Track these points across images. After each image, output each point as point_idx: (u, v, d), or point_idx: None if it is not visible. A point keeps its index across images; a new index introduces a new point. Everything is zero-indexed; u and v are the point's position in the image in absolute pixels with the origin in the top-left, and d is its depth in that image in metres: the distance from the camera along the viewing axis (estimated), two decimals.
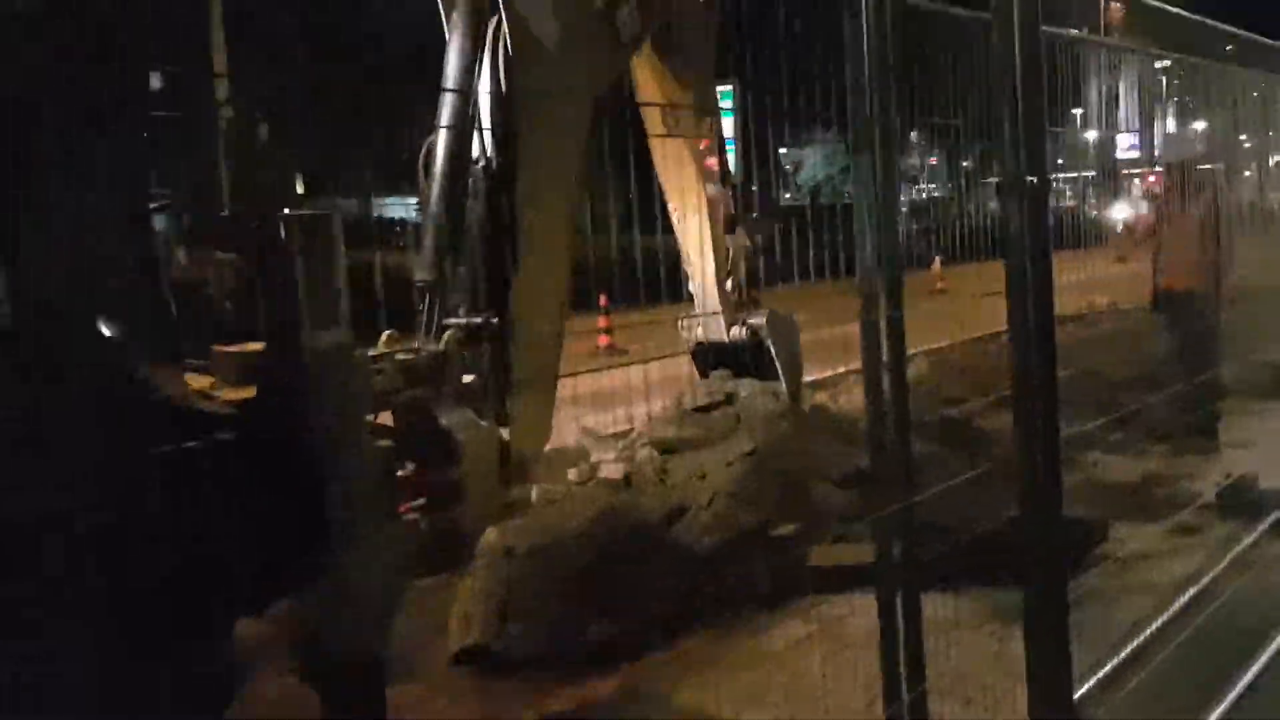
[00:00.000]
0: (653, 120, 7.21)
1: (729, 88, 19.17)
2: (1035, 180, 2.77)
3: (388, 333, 4.56)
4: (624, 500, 5.97)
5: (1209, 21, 7.14)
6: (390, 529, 3.50)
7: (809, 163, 31.70)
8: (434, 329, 4.89)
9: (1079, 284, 12.62)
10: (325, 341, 3.16)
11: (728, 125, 21.06)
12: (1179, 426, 7.41)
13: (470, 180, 5.20)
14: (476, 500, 4.48)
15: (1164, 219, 8.02)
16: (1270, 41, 7.06)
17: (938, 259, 17.31)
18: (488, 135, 5.20)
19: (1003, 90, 2.73)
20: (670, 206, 7.47)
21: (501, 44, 5.30)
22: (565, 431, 7.87)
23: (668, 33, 6.84)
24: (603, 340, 13.13)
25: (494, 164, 5.17)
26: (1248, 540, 5.59)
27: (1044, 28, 2.83)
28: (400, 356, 4.52)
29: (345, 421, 3.23)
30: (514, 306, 4.98)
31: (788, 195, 31.91)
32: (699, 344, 7.56)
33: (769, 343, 7.32)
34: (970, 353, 11.36)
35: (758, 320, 7.41)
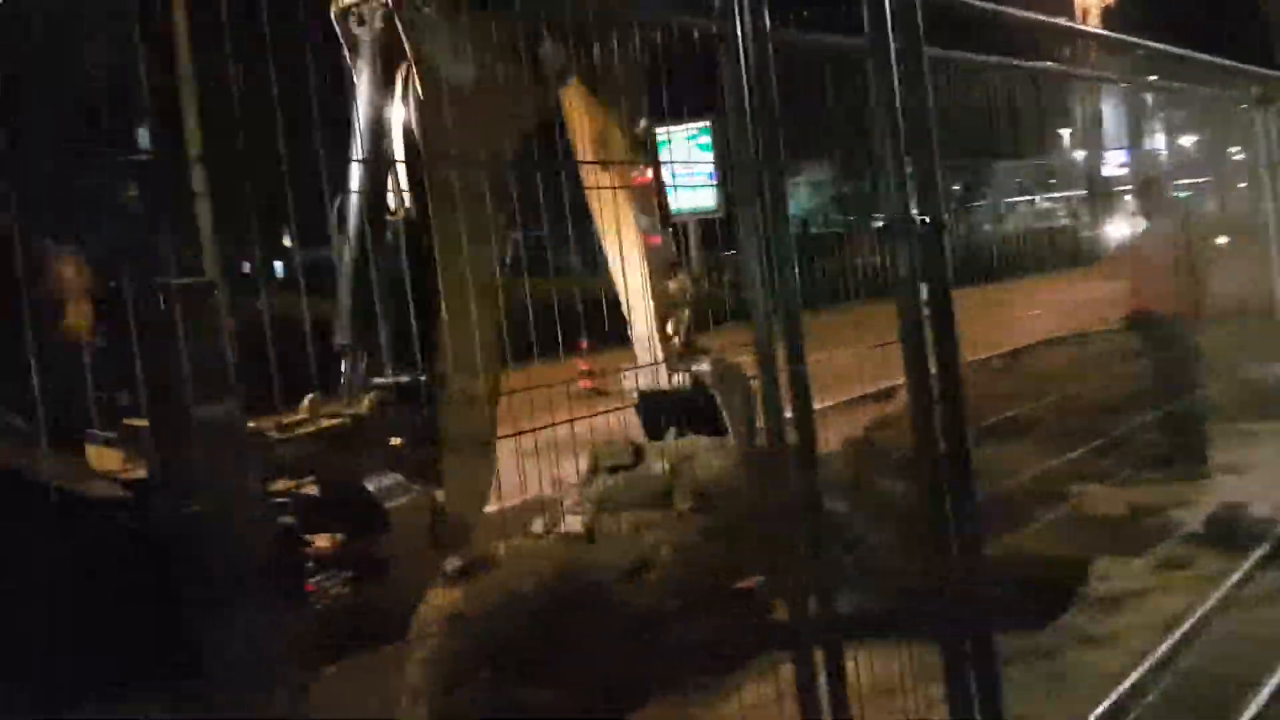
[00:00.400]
0: (581, 156, 6.83)
1: (705, 124, 19.05)
2: (928, 220, 2.55)
3: (310, 395, 4.33)
4: (584, 556, 5.72)
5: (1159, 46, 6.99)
6: (293, 612, 3.25)
7: (796, 193, 31.61)
8: (356, 391, 4.65)
9: (1070, 303, 12.45)
10: (209, 415, 2.93)
11: (707, 160, 20.85)
12: (1166, 452, 7.16)
13: (388, 233, 4.96)
14: (408, 568, 4.22)
15: (1135, 238, 7.81)
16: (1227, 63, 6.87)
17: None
18: (404, 185, 4.97)
19: (884, 122, 2.52)
20: (605, 246, 7.09)
21: (411, 89, 5.07)
22: (535, 481, 7.63)
23: (596, 66, 6.49)
24: (584, 383, 12.89)
25: (412, 215, 4.93)
26: (1237, 574, 5.31)
27: (930, 50, 2.62)
28: (321, 421, 4.28)
29: (234, 499, 3.00)
30: (440, 364, 4.71)
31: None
32: (642, 394, 7.12)
33: (715, 392, 6.87)
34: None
35: (702, 367, 6.92)
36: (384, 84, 5.25)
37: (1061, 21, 7.10)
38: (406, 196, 5.04)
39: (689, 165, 19.76)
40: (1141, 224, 7.94)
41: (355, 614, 4.06)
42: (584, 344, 12.49)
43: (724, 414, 6.79)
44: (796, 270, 2.77)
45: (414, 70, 5.10)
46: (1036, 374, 10.89)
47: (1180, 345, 7.26)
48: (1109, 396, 8.18)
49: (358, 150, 5.17)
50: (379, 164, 5.11)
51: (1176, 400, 7.24)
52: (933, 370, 2.65)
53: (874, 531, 5.41)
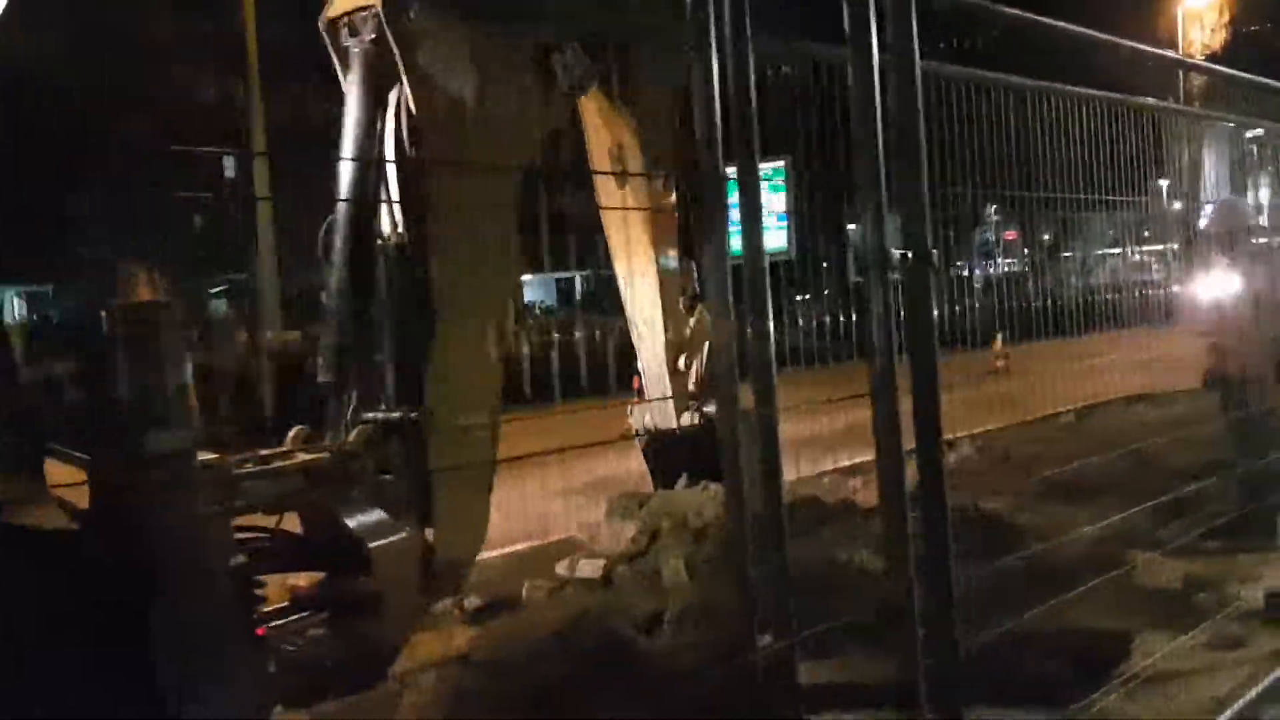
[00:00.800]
0: (598, 170, 6.53)
1: (780, 164, 18.85)
2: (913, 255, 2.26)
3: (297, 428, 4.21)
4: (601, 602, 5.54)
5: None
6: (248, 657, 3.12)
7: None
8: (344, 426, 4.49)
9: (1156, 360, 11.94)
10: (154, 446, 2.82)
11: (779, 200, 20.70)
12: (1235, 521, 6.72)
13: (381, 260, 4.76)
14: (390, 610, 4.06)
15: (1216, 294, 7.38)
16: None
17: (999, 336, 16.67)
18: (397, 209, 4.73)
19: (862, 140, 2.23)
20: (616, 269, 6.67)
21: (405, 105, 4.81)
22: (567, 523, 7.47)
23: (620, 77, 6.12)
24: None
25: (406, 241, 4.71)
26: None
27: (924, 63, 2.32)
28: (300, 455, 4.15)
29: (184, 536, 2.89)
30: (432, 399, 4.53)
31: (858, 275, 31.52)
32: (649, 434, 6.64)
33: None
34: (1019, 437, 10.74)
35: (714, 409, 6.27)
36: (376, 100, 5.00)
37: (1169, 53, 6.74)
38: (400, 220, 4.79)
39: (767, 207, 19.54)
40: (1226, 279, 7.52)
41: (330, 657, 3.91)
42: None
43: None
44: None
45: (407, 85, 4.84)
46: (1105, 432, 10.45)
47: (1258, 408, 6.84)
48: (1184, 459, 7.76)
49: (345, 171, 4.95)
50: (367, 186, 4.89)
51: (1250, 465, 6.84)
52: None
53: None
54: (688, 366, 6.68)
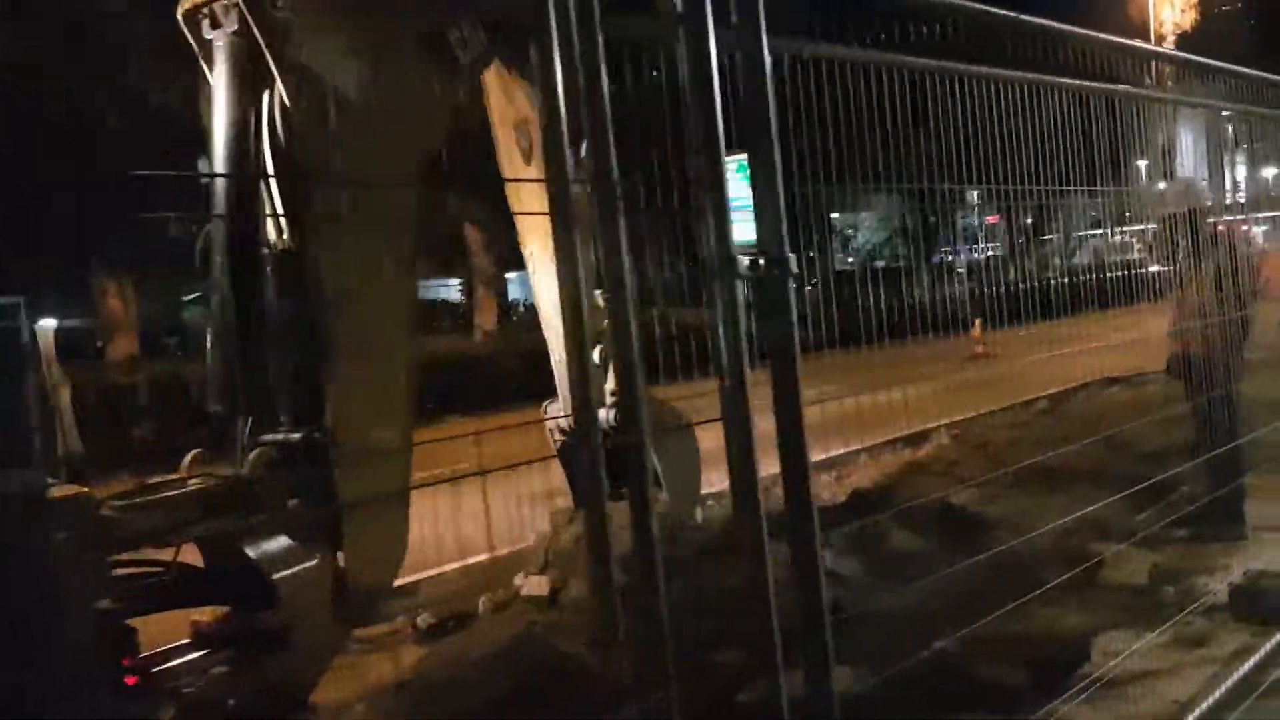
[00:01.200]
0: (503, 147, 5.96)
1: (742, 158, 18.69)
2: (766, 260, 2.02)
3: (193, 452, 3.96)
4: (544, 621, 5.33)
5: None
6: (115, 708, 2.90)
7: (863, 227, 31.01)
8: (241, 449, 4.23)
9: (1135, 340, 11.76)
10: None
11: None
12: (1203, 508, 6.54)
13: (267, 271, 4.41)
14: (303, 643, 3.83)
15: (1175, 277, 7.18)
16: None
17: (978, 321, 16.53)
18: (282, 216, 4.35)
19: (698, 125, 1.98)
20: (523, 250, 6.09)
21: (278, 99, 4.40)
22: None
23: (517, 51, 5.55)
24: None
25: (292, 248, 4.34)
26: (1255, 657, 4.71)
27: (770, 39, 2.05)
28: (190, 484, 3.90)
29: (28, 581, 2.67)
30: (334, 418, 4.24)
31: (850, 260, 31.41)
32: (564, 437, 5.98)
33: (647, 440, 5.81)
34: (994, 424, 10.57)
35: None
36: (247, 95, 4.57)
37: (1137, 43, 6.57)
38: (285, 225, 4.39)
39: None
40: (1184, 262, 7.31)
41: (234, 696, 3.68)
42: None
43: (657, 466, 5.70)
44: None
45: (278, 78, 4.43)
46: (1081, 417, 10.28)
47: (1221, 391, 6.63)
48: (1157, 443, 7.58)
49: (217, 174, 4.56)
50: (245, 190, 4.48)
51: (1215, 451, 6.64)
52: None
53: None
54: (605, 360, 6.22)
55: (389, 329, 4.48)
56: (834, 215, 30.31)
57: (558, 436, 6.13)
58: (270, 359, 4.37)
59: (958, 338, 12.17)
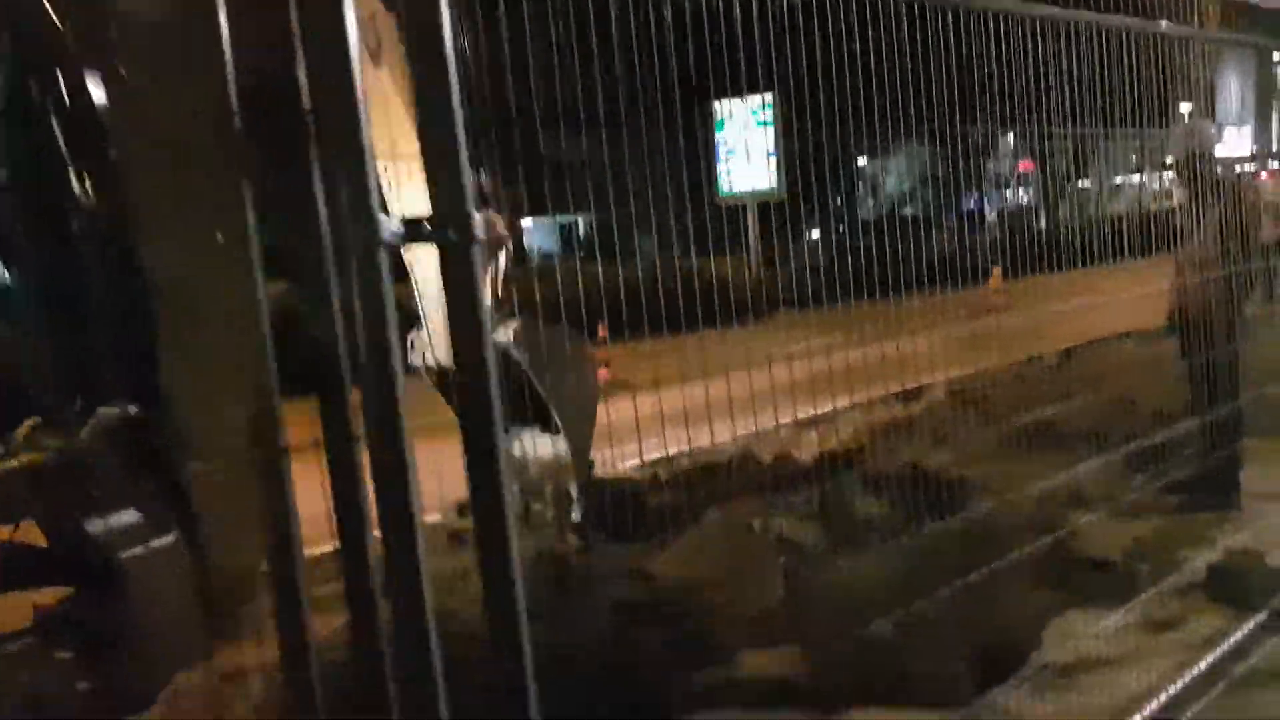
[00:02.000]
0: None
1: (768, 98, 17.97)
2: (440, 226, 1.50)
3: (28, 422, 3.60)
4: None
5: None
6: None
7: (892, 173, 30.22)
8: (73, 419, 3.85)
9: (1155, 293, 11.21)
10: None
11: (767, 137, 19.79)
12: (1196, 474, 6.13)
13: (77, 231, 3.94)
14: (155, 627, 3.50)
15: (1179, 230, 6.67)
16: None
17: (996, 270, 15.97)
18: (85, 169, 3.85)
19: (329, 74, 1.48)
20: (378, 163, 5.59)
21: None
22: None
23: None
24: (602, 373, 12.16)
25: (104, 208, 3.85)
26: (1231, 640, 4.32)
27: None
28: (16, 458, 3.54)
29: None
30: (167, 388, 3.85)
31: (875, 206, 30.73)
32: (437, 373, 5.16)
33: (528, 370, 4.95)
34: (998, 380, 10.10)
35: (502, 335, 4.87)
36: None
37: None
38: (89, 183, 3.94)
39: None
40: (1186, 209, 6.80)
41: (80, 685, 3.38)
42: (603, 332, 11.71)
43: (543, 398, 5.07)
44: None
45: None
46: (1086, 375, 9.82)
47: (1219, 351, 6.19)
48: (1160, 402, 7.14)
49: None
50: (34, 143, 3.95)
51: (1210, 414, 6.22)
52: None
53: None
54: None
55: (236, 289, 4.02)
56: (861, 161, 29.61)
57: (424, 369, 5.28)
58: (90, 327, 3.92)
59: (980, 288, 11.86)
